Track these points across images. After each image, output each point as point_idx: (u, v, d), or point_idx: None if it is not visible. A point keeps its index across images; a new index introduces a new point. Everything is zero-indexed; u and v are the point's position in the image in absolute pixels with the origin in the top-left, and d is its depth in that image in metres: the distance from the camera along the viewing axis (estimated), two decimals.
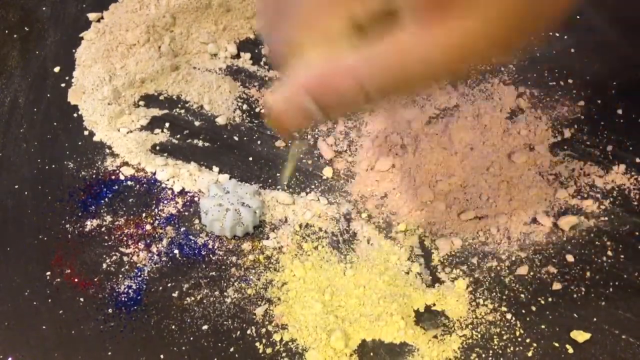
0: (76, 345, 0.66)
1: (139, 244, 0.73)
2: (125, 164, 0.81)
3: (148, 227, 0.74)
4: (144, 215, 0.75)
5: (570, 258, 0.73)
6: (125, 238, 0.73)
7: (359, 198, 0.78)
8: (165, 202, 0.77)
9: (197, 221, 0.75)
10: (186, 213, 0.76)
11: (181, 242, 0.73)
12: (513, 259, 0.73)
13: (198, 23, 0.95)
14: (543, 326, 0.68)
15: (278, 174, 0.80)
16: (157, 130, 0.85)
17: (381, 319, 0.66)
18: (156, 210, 0.76)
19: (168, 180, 0.79)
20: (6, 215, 0.76)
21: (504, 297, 0.70)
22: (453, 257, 0.73)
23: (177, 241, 0.74)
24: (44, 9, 1.02)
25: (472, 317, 0.68)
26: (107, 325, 0.67)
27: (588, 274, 0.72)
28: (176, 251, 0.73)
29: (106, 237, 0.73)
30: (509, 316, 0.68)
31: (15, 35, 0.97)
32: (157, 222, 0.75)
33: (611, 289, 0.71)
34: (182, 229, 0.74)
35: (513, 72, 0.93)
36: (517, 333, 0.67)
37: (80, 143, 0.83)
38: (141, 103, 0.88)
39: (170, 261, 0.72)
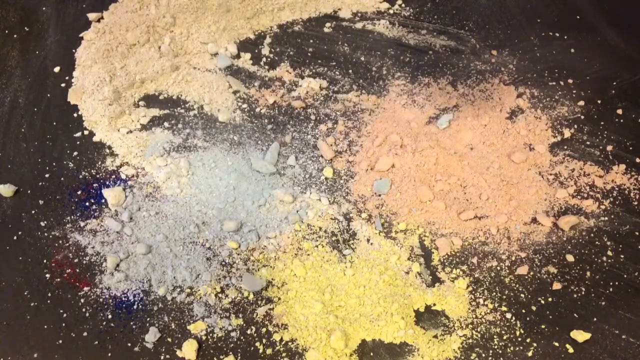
0: (76, 345, 0.66)
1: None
2: (126, 164, 0.81)
3: None
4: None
5: (570, 258, 0.73)
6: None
7: (359, 198, 0.78)
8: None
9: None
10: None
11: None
12: (513, 259, 0.73)
13: (198, 23, 0.95)
14: (543, 326, 0.68)
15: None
16: (157, 130, 0.85)
17: (381, 319, 0.66)
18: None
19: (167, 179, 0.79)
20: (6, 215, 0.76)
21: (504, 297, 0.70)
22: (453, 257, 0.73)
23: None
24: (44, 9, 1.02)
25: (472, 317, 0.68)
26: (107, 326, 0.67)
27: (588, 274, 0.72)
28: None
29: (106, 237, 0.73)
30: (509, 316, 0.68)
31: (15, 35, 0.98)
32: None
33: (611, 289, 0.71)
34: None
35: (513, 72, 0.93)
36: (517, 333, 0.67)
37: (80, 143, 0.83)
38: (141, 103, 0.88)
39: None
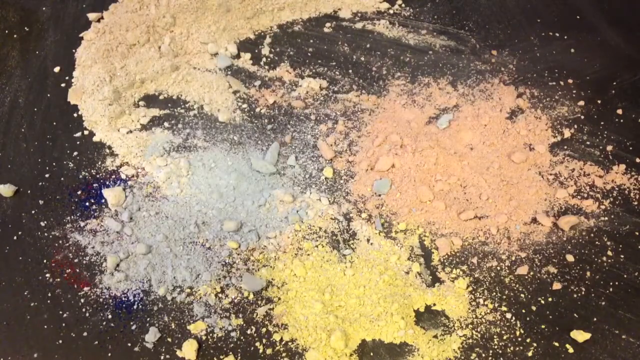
0: (76, 345, 0.66)
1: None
2: (126, 164, 0.81)
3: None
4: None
5: (570, 258, 0.73)
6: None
7: (359, 198, 0.78)
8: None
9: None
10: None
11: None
12: (513, 259, 0.73)
13: (198, 23, 0.95)
14: (543, 326, 0.68)
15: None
16: (157, 130, 0.85)
17: (381, 319, 0.66)
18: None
19: (167, 179, 0.79)
20: (6, 215, 0.76)
21: (504, 297, 0.70)
22: (453, 257, 0.73)
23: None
24: (44, 9, 1.02)
25: (472, 317, 0.68)
26: (107, 325, 0.67)
27: (588, 274, 0.72)
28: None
29: (106, 237, 0.73)
30: (509, 316, 0.68)
31: (15, 35, 0.98)
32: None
33: (611, 289, 0.71)
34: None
35: (513, 72, 0.93)
36: (517, 333, 0.67)
37: (80, 143, 0.83)
38: (141, 103, 0.88)
39: None
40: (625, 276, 0.72)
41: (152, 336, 0.66)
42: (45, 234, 0.74)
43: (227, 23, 0.97)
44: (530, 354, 0.66)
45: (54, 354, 0.65)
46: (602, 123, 0.87)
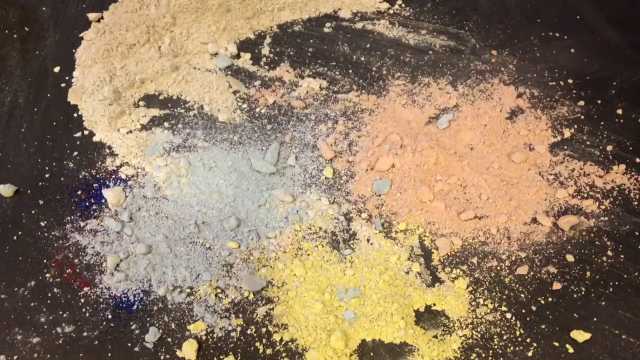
0: (76, 345, 0.66)
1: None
2: (126, 164, 0.81)
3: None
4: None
5: (570, 258, 0.73)
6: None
7: (359, 198, 0.78)
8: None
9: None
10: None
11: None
12: (513, 259, 0.73)
13: (198, 23, 0.95)
14: (543, 326, 0.68)
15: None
16: (157, 130, 0.85)
17: (381, 319, 0.66)
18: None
19: (167, 179, 0.79)
20: (6, 215, 0.76)
21: (504, 297, 0.70)
22: (453, 257, 0.73)
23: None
24: (44, 9, 1.02)
25: (472, 317, 0.68)
26: (107, 325, 0.67)
27: (588, 274, 0.72)
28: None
29: (106, 237, 0.73)
30: (509, 316, 0.68)
31: (15, 35, 0.98)
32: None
33: (611, 289, 0.71)
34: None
35: (513, 72, 0.93)
36: (517, 333, 0.67)
37: (80, 143, 0.83)
38: (141, 103, 0.88)
39: None
40: (625, 276, 0.72)
41: (152, 336, 0.66)
42: (45, 234, 0.74)
43: (227, 23, 0.97)
44: (530, 354, 0.66)
45: (54, 354, 0.65)
46: (602, 123, 0.87)
